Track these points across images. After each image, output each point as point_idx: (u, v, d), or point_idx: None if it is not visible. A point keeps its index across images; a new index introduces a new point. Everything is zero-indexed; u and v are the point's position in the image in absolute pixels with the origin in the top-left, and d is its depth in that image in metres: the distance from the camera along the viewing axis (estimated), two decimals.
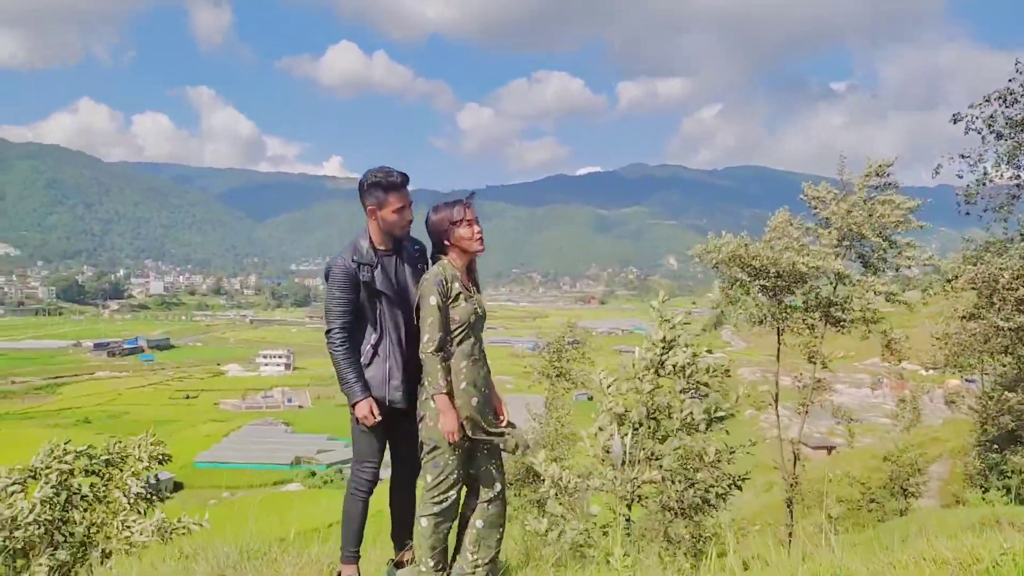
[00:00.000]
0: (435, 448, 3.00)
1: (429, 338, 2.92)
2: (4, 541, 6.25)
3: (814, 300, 13.86)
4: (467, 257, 3.16)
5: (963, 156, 14.30)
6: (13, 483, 6.62)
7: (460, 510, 3.16)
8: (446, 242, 3.17)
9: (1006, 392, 16.77)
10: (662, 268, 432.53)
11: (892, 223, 13.25)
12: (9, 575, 6.29)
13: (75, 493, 6.83)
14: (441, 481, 2.99)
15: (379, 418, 2.87)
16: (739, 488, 7.91)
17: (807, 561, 2.96)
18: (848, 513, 23.09)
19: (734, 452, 7.56)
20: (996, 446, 18.33)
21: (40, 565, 6.42)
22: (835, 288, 13.85)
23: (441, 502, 2.99)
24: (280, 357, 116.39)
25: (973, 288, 15.47)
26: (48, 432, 66.94)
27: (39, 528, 6.42)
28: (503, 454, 3.21)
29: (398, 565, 3.23)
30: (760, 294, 14.08)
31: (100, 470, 7.12)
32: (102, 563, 6.72)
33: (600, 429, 7.57)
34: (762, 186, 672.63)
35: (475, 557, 3.10)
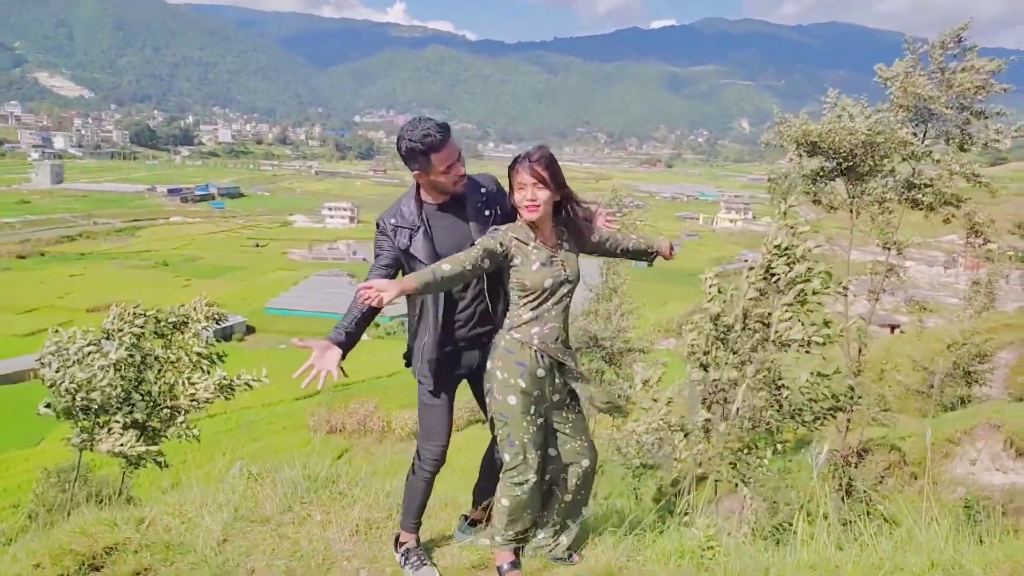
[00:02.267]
0: (507, 424, 2.76)
1: (451, 258, 2.59)
2: (82, 401, 6.58)
3: (893, 183, 13.00)
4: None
5: None
6: (88, 344, 6.88)
7: (544, 480, 2.95)
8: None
9: None
10: (733, 131, 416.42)
11: (971, 90, 12.06)
12: (89, 428, 6.68)
13: (148, 354, 7.08)
14: (519, 460, 2.76)
15: (312, 377, 2.65)
16: (834, 416, 7.75)
17: (908, 550, 2.74)
18: (908, 396, 22.92)
19: (828, 377, 7.34)
20: None
21: (116, 422, 6.79)
22: (915, 169, 12.92)
23: (521, 483, 2.78)
24: (345, 210, 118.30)
25: None
26: (131, 273, 70.87)
27: (115, 389, 6.72)
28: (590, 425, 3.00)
29: (472, 523, 3.15)
30: (836, 180, 13.26)
31: (168, 333, 7.35)
32: (172, 419, 7.08)
33: (695, 324, 7.44)
34: (849, 46, 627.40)
35: (559, 532, 2.96)
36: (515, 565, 2.80)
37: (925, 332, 32.63)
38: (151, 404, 7.01)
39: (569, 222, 2.87)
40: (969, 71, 11.72)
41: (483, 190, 2.92)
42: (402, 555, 2.85)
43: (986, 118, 12.42)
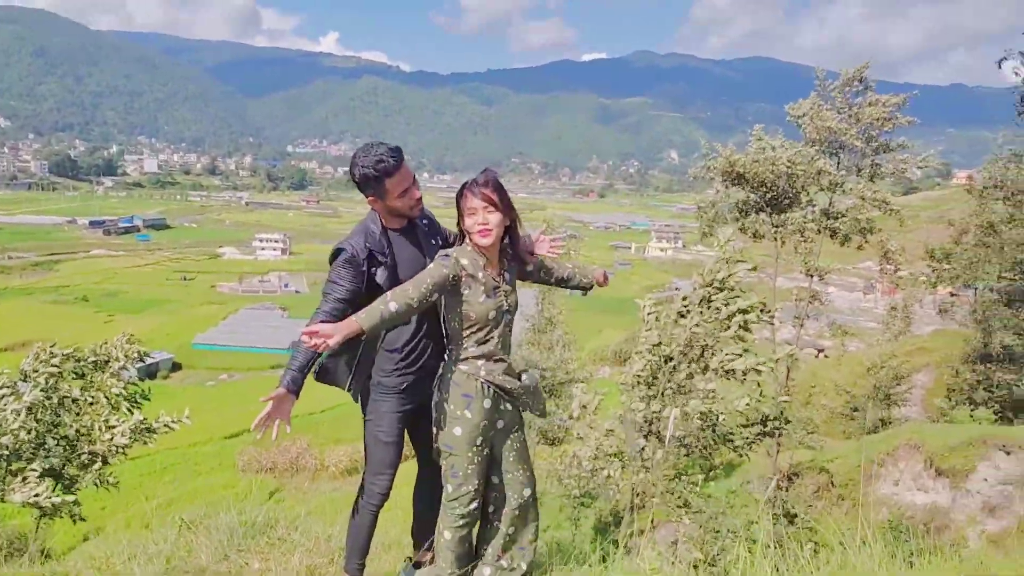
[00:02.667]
0: (452, 455, 2.78)
1: (392, 296, 2.54)
2: None
3: (811, 213, 13.62)
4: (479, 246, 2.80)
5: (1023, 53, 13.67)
6: (1, 387, 6.55)
7: (487, 511, 2.97)
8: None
9: (1008, 307, 16.75)
10: (663, 162, 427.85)
11: (879, 122, 12.84)
12: (1, 477, 6.31)
13: (65, 396, 6.77)
14: (462, 491, 2.78)
15: (279, 429, 2.61)
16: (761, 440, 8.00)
17: (845, 572, 2.82)
18: (833, 419, 23.68)
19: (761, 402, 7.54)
20: (988, 360, 18.53)
21: (32, 470, 6.44)
22: (831, 200, 13.58)
23: (464, 514, 2.79)
24: (276, 241, 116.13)
25: (1005, 199, 15.14)
26: (49, 308, 67.63)
27: (28, 433, 6.39)
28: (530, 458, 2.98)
29: (416, 565, 3.10)
30: (761, 213, 13.80)
31: (87, 373, 7.06)
32: (90, 465, 6.76)
33: (637, 353, 7.54)
34: (771, 80, 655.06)
35: (505, 567, 2.93)
36: None
37: (847, 356, 33.92)
38: (67, 449, 6.69)
39: (512, 249, 2.90)
40: (875, 105, 12.44)
41: (425, 221, 2.94)
42: None
43: (891, 150, 13.19)
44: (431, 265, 2.69)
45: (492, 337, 2.78)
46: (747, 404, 11.10)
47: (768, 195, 13.43)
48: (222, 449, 35.36)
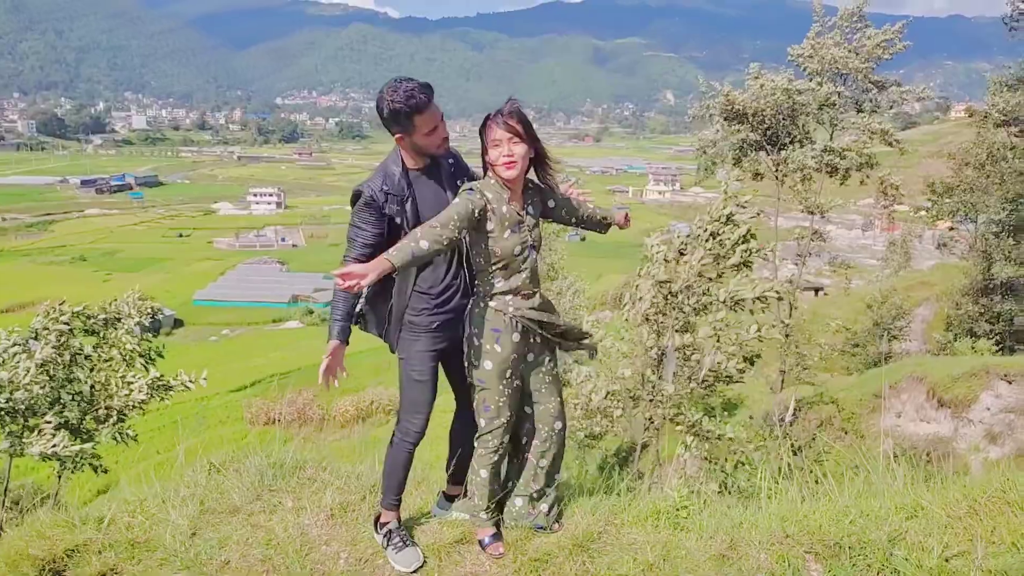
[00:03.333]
0: (483, 389, 2.77)
1: (422, 233, 2.51)
2: (6, 403, 6.26)
3: (811, 150, 13.52)
4: (503, 179, 2.73)
5: None
6: (13, 345, 6.57)
7: (519, 443, 2.98)
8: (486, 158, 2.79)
9: (1011, 238, 16.72)
10: (658, 104, 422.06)
11: (877, 48, 12.73)
12: (18, 431, 6.38)
13: (78, 352, 6.79)
14: (495, 424, 2.78)
15: (338, 376, 2.62)
16: (752, 364, 8.07)
17: (870, 496, 2.86)
18: (834, 356, 23.87)
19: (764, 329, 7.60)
20: (989, 292, 18.60)
21: (47, 423, 6.48)
22: (832, 135, 13.46)
23: (497, 449, 2.80)
24: (271, 195, 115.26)
25: (1003, 124, 15.04)
26: (47, 269, 67.51)
27: (42, 388, 6.43)
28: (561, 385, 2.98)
29: (449, 498, 3.13)
30: (760, 151, 13.70)
31: (99, 329, 7.06)
32: (107, 420, 6.82)
33: (640, 299, 7.58)
34: (768, 15, 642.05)
35: (537, 499, 2.96)
36: (496, 537, 2.81)
37: (847, 293, 34.03)
38: (84, 404, 6.74)
39: (536, 183, 2.86)
40: (873, 38, 12.33)
41: (451, 160, 2.88)
42: (384, 536, 2.82)
43: (887, 87, 13.08)
44: (456, 200, 2.65)
45: (518, 272, 2.76)
46: (758, 331, 11.20)
47: (768, 132, 13.30)
48: (230, 402, 35.78)
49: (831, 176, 13.83)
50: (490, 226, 2.69)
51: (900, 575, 2.37)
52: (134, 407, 6.76)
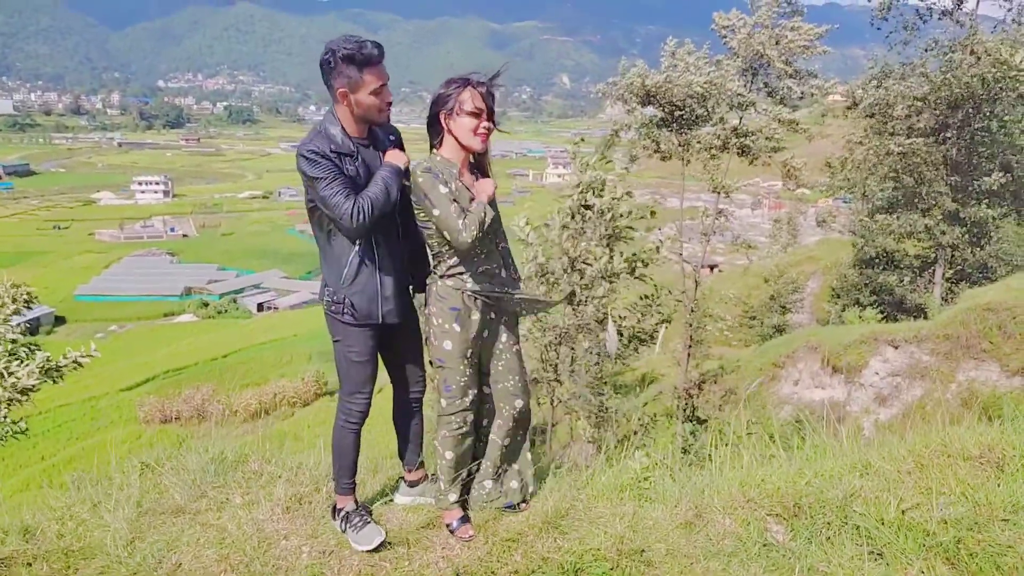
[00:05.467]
0: (444, 368, 2.70)
1: (467, 230, 2.49)
2: None
3: (721, 131, 13.95)
4: (463, 152, 2.65)
5: None
6: None
7: (480, 424, 2.91)
8: (440, 125, 2.64)
9: (886, 215, 17.85)
10: (555, 87, 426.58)
11: (799, 48, 13.24)
12: None
13: None
14: (457, 404, 2.71)
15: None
16: (667, 326, 8.26)
17: (822, 457, 2.95)
18: (732, 329, 24.91)
19: (656, 298, 7.76)
20: (872, 265, 19.81)
21: None
22: (741, 119, 13.94)
23: (461, 428, 2.73)
24: (157, 184, 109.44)
25: (871, 116, 16.03)
26: None
27: None
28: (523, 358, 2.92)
29: (411, 484, 3.02)
30: (665, 129, 14.02)
31: None
32: None
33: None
34: (661, 2, 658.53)
35: (504, 479, 2.90)
36: (465, 520, 2.74)
37: (739, 269, 35.57)
38: None
39: (480, 162, 2.78)
40: (798, 30, 12.75)
41: (392, 136, 2.74)
42: (342, 520, 2.70)
43: (802, 77, 13.62)
44: (434, 190, 2.55)
45: (477, 249, 2.68)
46: (642, 299, 11.50)
47: (676, 113, 13.62)
48: (121, 401, 33.92)
49: (741, 156, 14.30)
50: None
51: (861, 530, 2.47)
52: (24, 396, 6.26)
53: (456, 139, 2.62)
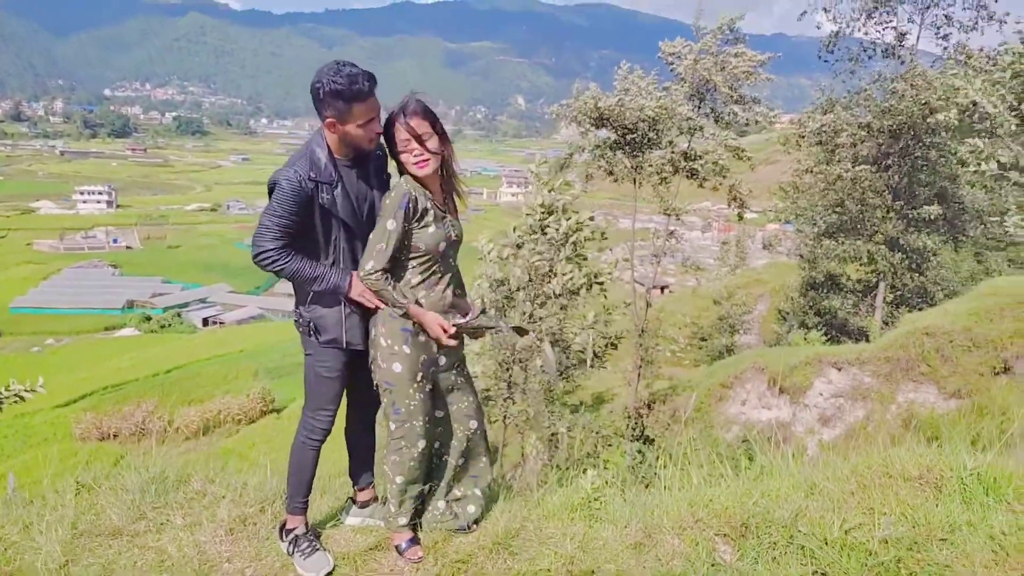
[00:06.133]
0: (391, 391, 2.63)
1: (372, 265, 2.51)
2: None
3: (670, 154, 14.25)
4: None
5: (825, 9, 14.90)
6: None
7: (434, 449, 2.86)
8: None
9: (831, 240, 18.35)
10: (510, 107, 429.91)
11: (743, 74, 13.63)
12: None
13: None
14: (406, 428, 2.65)
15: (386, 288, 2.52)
16: (615, 347, 8.32)
17: (766, 476, 2.99)
18: (683, 350, 25.29)
19: (610, 313, 7.83)
20: (817, 288, 20.32)
21: None
22: (690, 143, 14.25)
23: (410, 453, 2.67)
24: (100, 194, 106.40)
25: (819, 143, 16.54)
26: None
27: None
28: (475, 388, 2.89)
29: (358, 503, 2.96)
30: (618, 151, 14.26)
31: None
32: None
33: (480, 298, 7.59)
34: (615, 26, 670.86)
35: (457, 501, 2.86)
36: (414, 541, 2.69)
37: (689, 290, 36.16)
38: None
39: (448, 180, 2.80)
40: (741, 57, 13.11)
41: (379, 152, 2.73)
42: (290, 543, 2.63)
43: (747, 103, 14.01)
44: (391, 224, 2.54)
45: (435, 268, 2.67)
46: (595, 315, 11.61)
47: (628, 136, 13.87)
48: (56, 418, 32.67)
49: (689, 179, 14.58)
50: (417, 224, 2.61)
51: (806, 550, 2.51)
52: None
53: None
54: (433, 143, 2.61)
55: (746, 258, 47.46)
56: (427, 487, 2.81)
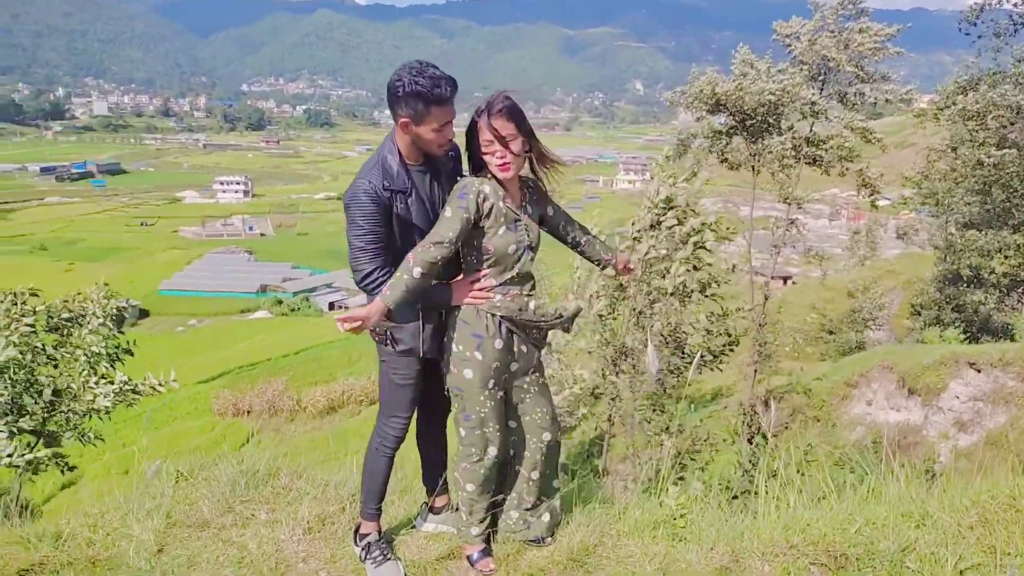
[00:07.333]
0: (462, 397, 2.57)
1: (431, 245, 2.39)
2: None
3: (791, 140, 13.48)
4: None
5: None
6: None
7: (507, 457, 2.78)
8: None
9: (974, 230, 16.95)
10: (628, 93, 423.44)
11: (868, 51, 12.66)
12: None
13: (40, 352, 6.40)
14: (476, 435, 2.58)
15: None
16: (732, 350, 7.98)
17: (874, 503, 2.74)
18: (807, 342, 24.12)
19: (727, 316, 7.51)
20: (955, 282, 18.84)
21: (0, 431, 6.10)
22: (812, 127, 13.42)
23: (481, 460, 2.60)
24: (238, 184, 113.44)
25: (968, 119, 15.20)
26: (5, 260, 65.57)
27: (1, 397, 6.06)
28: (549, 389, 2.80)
29: (433, 510, 2.94)
30: (736, 136, 13.63)
31: (62, 327, 6.68)
32: (69, 423, 6.46)
33: (597, 296, 7.47)
34: (735, 8, 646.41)
35: (530, 512, 2.77)
36: (486, 552, 2.64)
37: (815, 281, 34.39)
38: (46, 408, 6.37)
39: (534, 182, 2.68)
40: (866, 32, 12.20)
41: (452, 153, 2.66)
42: (363, 549, 2.64)
43: (874, 81, 13.02)
44: (448, 212, 2.46)
45: (510, 273, 2.57)
46: (708, 316, 11.16)
47: (746, 121, 13.24)
48: (196, 394, 35.17)
49: (812, 166, 13.81)
50: (485, 223, 2.51)
51: None
52: (96, 413, 6.41)
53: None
54: (517, 145, 2.49)
55: (877, 248, 44.61)
56: (500, 497, 2.75)
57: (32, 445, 6.01)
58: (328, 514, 2.89)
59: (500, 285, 2.57)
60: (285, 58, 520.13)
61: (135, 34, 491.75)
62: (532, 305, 2.61)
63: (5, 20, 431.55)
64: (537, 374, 2.75)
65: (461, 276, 2.62)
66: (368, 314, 2.26)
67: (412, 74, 2.37)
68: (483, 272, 2.57)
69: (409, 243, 2.48)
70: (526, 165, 2.63)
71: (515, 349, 2.64)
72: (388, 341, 2.57)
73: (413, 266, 2.35)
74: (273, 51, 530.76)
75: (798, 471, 3.10)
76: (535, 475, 2.75)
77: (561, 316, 2.68)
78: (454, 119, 2.49)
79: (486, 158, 2.51)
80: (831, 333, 23.31)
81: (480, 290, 2.54)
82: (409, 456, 2.76)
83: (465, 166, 2.67)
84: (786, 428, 15.43)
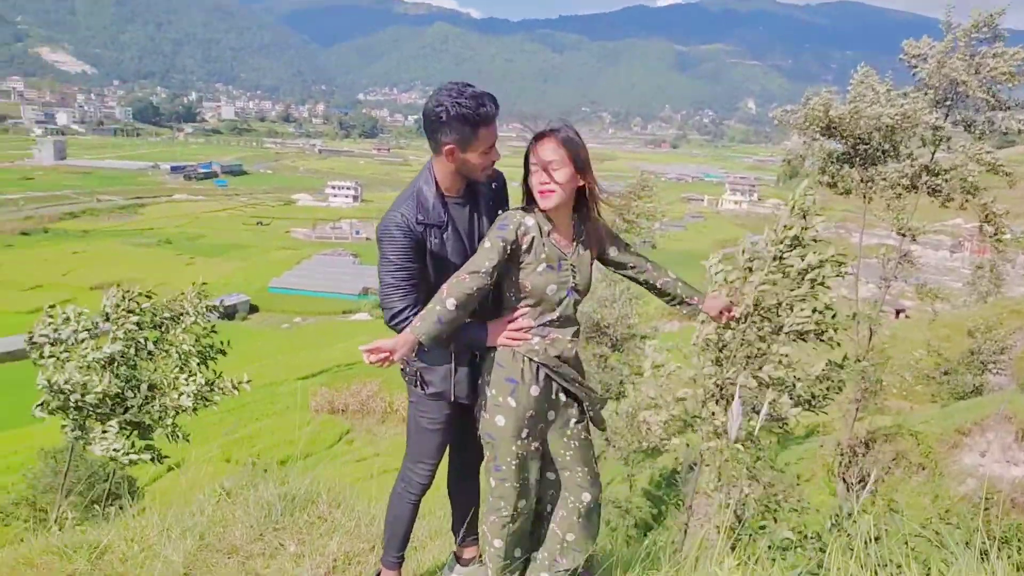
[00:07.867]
0: (493, 446, 2.40)
1: (457, 273, 2.25)
2: (76, 401, 6.17)
3: (909, 167, 12.60)
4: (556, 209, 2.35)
5: None
6: (83, 329, 6.48)
7: (542, 510, 2.61)
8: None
9: None
10: (740, 112, 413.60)
11: (1002, 75, 11.66)
12: (81, 424, 6.33)
13: (142, 348, 6.66)
14: (506, 488, 2.39)
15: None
16: (839, 391, 7.53)
17: None
18: (917, 381, 22.58)
19: (842, 366, 7.08)
20: None
21: (111, 427, 6.37)
22: (933, 155, 12.51)
23: (510, 514, 2.41)
24: (349, 189, 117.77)
25: None
26: (135, 251, 70.38)
27: (107, 387, 6.34)
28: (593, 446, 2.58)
29: (460, 560, 2.79)
30: (846, 164, 12.87)
31: (164, 323, 6.94)
32: (161, 417, 6.70)
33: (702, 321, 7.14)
34: (859, 25, 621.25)
35: (566, 567, 2.57)
36: None
37: (935, 318, 32.17)
38: (145, 401, 6.64)
39: (587, 219, 2.46)
40: (1001, 56, 11.29)
41: (494, 184, 2.50)
42: None
43: (1007, 109, 12.01)
44: (487, 243, 2.29)
45: (551, 315, 2.38)
46: (824, 369, 10.50)
47: (860, 147, 12.52)
48: (295, 389, 36.54)
49: (931, 196, 12.90)
50: (524, 258, 2.33)
51: None
52: (179, 412, 6.63)
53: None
54: (562, 175, 2.29)
55: (1003, 285, 41.41)
56: (529, 552, 2.56)
57: (131, 438, 6.26)
58: (356, 552, 2.79)
59: (539, 327, 2.39)
60: (401, 69, 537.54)
61: (263, 43, 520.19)
62: (574, 351, 2.42)
63: (150, 29, 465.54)
64: (579, 426, 2.54)
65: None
66: (395, 346, 2.10)
67: (453, 96, 2.22)
68: (521, 311, 2.39)
69: (443, 280, 2.31)
70: (582, 200, 2.43)
71: (554, 397, 2.45)
72: (418, 383, 2.43)
73: (447, 297, 2.19)
74: (390, 62, 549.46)
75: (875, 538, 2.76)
76: (570, 537, 2.55)
77: (595, 392, 2.48)
78: (497, 139, 2.33)
79: (532, 180, 2.34)
80: (946, 374, 21.71)
81: (517, 330, 2.35)
82: (440, 502, 2.62)
83: (515, 199, 2.51)
84: (887, 473, 14.45)
